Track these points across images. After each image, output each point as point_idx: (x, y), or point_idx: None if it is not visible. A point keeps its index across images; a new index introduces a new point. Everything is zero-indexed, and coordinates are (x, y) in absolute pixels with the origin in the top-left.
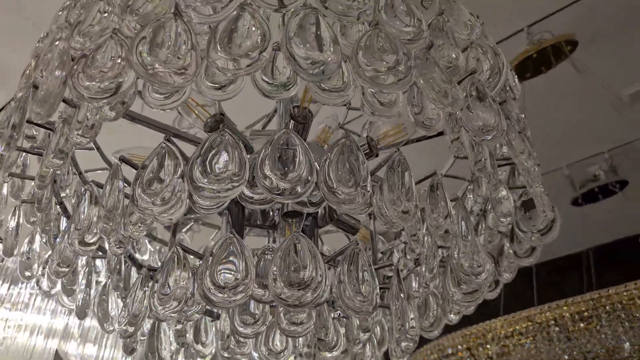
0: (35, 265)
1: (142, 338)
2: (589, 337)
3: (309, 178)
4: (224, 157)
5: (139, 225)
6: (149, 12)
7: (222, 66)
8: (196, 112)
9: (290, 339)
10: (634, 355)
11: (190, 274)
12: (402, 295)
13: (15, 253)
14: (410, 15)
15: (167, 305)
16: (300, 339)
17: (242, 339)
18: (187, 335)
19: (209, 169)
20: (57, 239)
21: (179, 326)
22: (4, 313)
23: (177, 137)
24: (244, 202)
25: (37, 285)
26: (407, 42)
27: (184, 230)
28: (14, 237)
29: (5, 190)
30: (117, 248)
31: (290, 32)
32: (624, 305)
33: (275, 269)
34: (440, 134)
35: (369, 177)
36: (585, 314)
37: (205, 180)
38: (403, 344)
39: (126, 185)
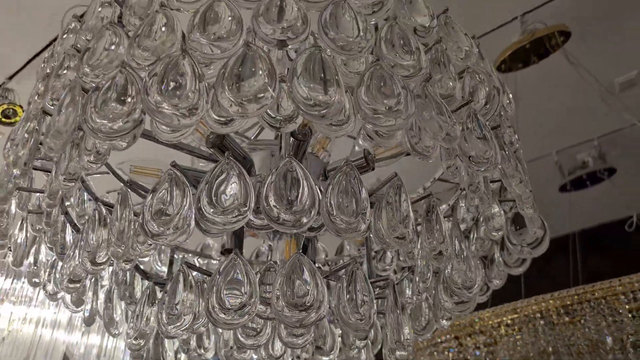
0: (42, 272)
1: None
2: (573, 330)
3: (312, 210)
4: (231, 187)
5: (148, 244)
6: (157, 46)
7: (227, 107)
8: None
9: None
10: (616, 349)
11: (195, 295)
12: (398, 311)
13: (24, 263)
14: (409, 53)
15: (177, 324)
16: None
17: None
18: (191, 342)
19: (215, 201)
20: (65, 253)
21: (185, 336)
22: (8, 307)
23: (176, 147)
24: (246, 226)
25: (44, 289)
26: (405, 78)
27: None
28: (23, 249)
29: (14, 207)
30: (125, 264)
31: (296, 72)
32: (607, 301)
33: (277, 288)
34: None
35: (369, 206)
36: (571, 307)
37: (212, 210)
38: (397, 352)
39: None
